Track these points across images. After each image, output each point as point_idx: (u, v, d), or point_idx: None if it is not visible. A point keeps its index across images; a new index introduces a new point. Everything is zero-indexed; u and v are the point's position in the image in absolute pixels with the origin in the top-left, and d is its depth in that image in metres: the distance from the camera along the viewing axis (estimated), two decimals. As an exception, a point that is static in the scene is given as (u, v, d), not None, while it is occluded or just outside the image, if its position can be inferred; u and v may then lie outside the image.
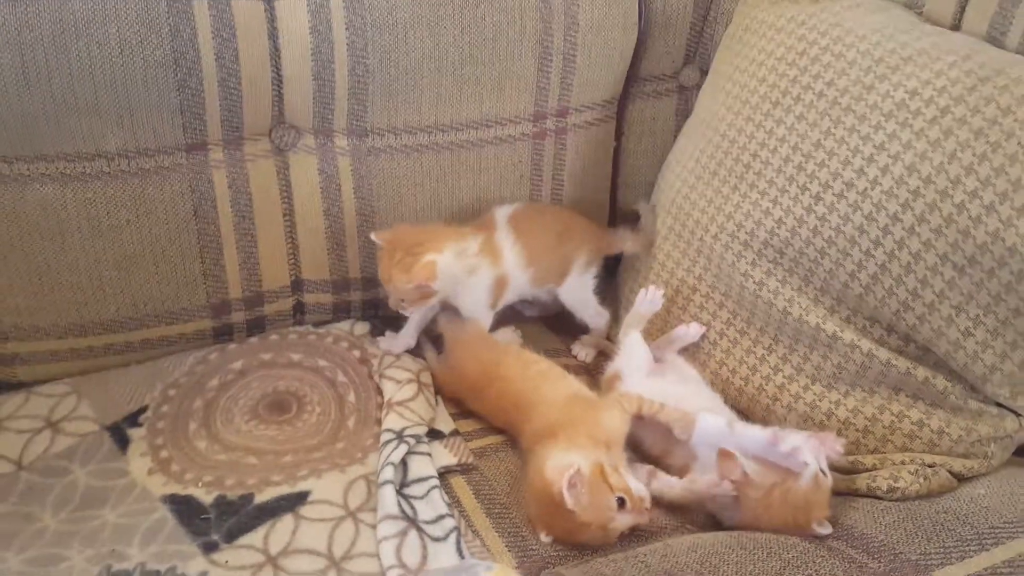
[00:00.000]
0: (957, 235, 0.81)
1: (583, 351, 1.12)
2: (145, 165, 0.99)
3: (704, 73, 1.15)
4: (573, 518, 0.80)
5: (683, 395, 0.94)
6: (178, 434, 0.94)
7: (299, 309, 1.14)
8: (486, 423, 0.99)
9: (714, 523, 0.87)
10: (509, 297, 1.09)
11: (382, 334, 1.12)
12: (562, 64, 1.10)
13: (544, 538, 0.83)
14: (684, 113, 1.18)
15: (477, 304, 1.05)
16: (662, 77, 1.19)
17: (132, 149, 0.98)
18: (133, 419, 0.97)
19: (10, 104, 0.91)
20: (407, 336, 1.09)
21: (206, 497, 0.86)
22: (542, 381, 0.96)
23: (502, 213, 1.09)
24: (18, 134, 0.93)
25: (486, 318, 1.07)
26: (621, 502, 0.81)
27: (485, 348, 1.03)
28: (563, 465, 0.81)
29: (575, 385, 0.96)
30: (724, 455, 0.84)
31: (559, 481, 0.80)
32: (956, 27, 0.93)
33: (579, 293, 1.11)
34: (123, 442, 0.93)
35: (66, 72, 0.92)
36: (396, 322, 1.11)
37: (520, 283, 1.08)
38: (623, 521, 0.81)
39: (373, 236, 1.03)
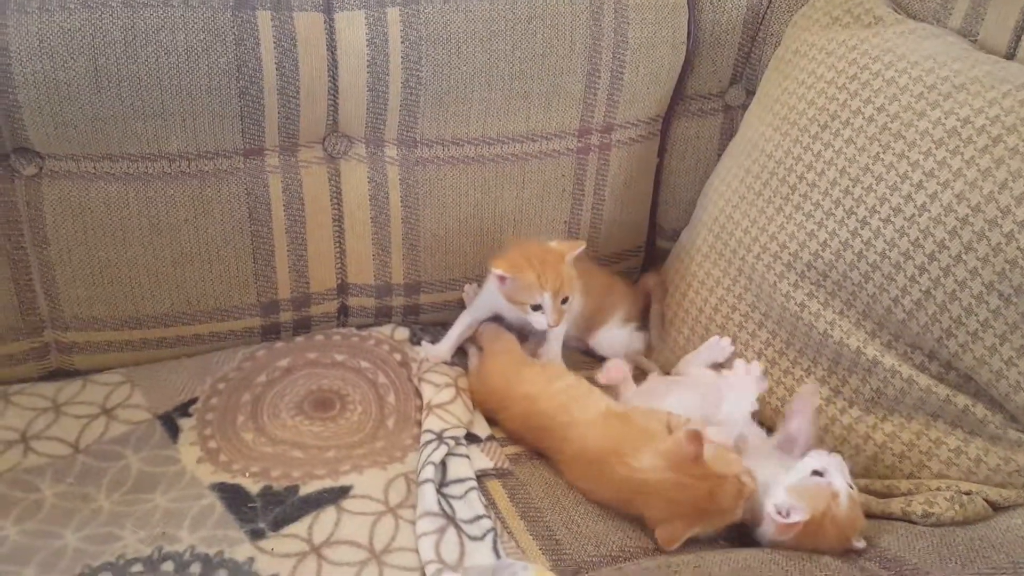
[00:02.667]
0: (1005, 264, 0.81)
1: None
2: (204, 167, 1.02)
3: (750, 94, 1.16)
4: (708, 479, 0.81)
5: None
6: (226, 426, 0.98)
7: (343, 311, 1.17)
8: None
9: (746, 536, 0.88)
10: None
11: (419, 342, 1.13)
12: (610, 81, 1.11)
13: (677, 541, 0.81)
14: (729, 133, 1.19)
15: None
16: (708, 96, 1.20)
17: (193, 151, 1.01)
18: (183, 410, 1.00)
19: (82, 106, 0.95)
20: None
21: (253, 487, 0.89)
22: (569, 400, 0.95)
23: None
24: (87, 135, 0.97)
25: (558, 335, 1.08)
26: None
27: (511, 362, 1.04)
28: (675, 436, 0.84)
29: (604, 400, 0.96)
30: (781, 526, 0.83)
31: (683, 441, 0.82)
32: (1011, 56, 0.93)
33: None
34: (174, 431, 0.97)
35: (135, 77, 0.95)
36: (434, 330, 1.14)
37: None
38: (747, 478, 0.83)
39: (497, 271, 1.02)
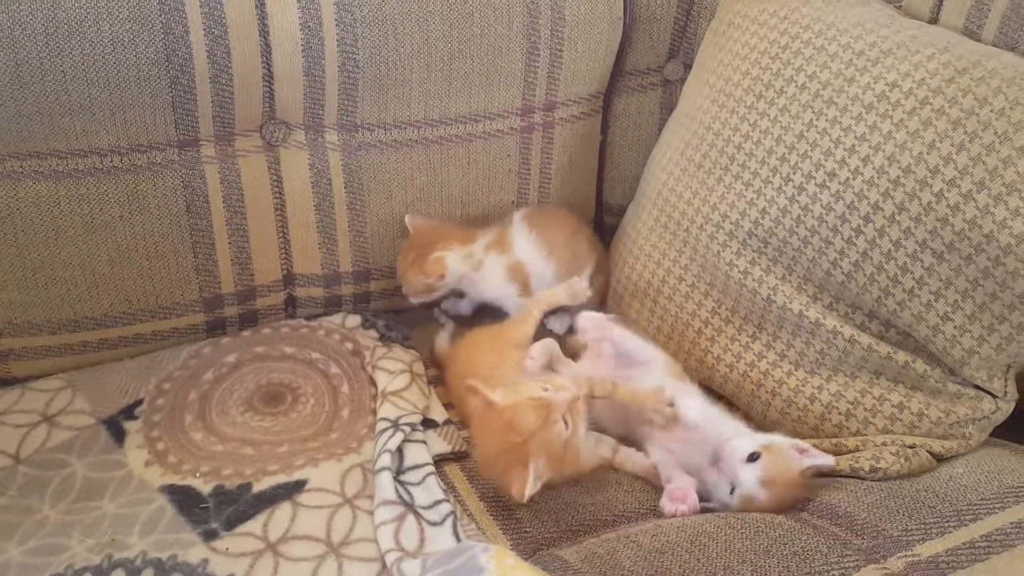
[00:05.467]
0: (936, 223, 0.84)
1: (557, 323, 1.15)
2: (138, 161, 1.00)
3: (688, 67, 1.17)
4: (508, 412, 0.81)
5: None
6: (174, 426, 0.95)
7: (291, 303, 1.16)
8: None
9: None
10: (535, 286, 1.12)
11: (373, 327, 1.14)
12: (549, 59, 1.11)
13: (530, 483, 0.79)
14: (669, 107, 1.20)
15: (499, 292, 1.12)
16: (647, 71, 1.21)
17: (125, 146, 0.98)
18: (129, 412, 0.97)
19: (3, 102, 0.91)
20: (466, 304, 1.18)
21: (204, 487, 0.87)
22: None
23: (518, 213, 1.16)
24: (11, 132, 0.93)
25: (515, 305, 1.12)
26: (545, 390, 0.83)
27: (477, 341, 1.04)
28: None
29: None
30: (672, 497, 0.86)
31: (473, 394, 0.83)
32: (934, 21, 0.95)
33: None
34: (119, 435, 0.94)
35: (59, 70, 0.92)
36: (387, 316, 1.14)
37: (544, 273, 1.12)
38: (556, 398, 0.82)
39: (407, 219, 1.11)
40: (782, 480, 0.84)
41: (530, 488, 0.79)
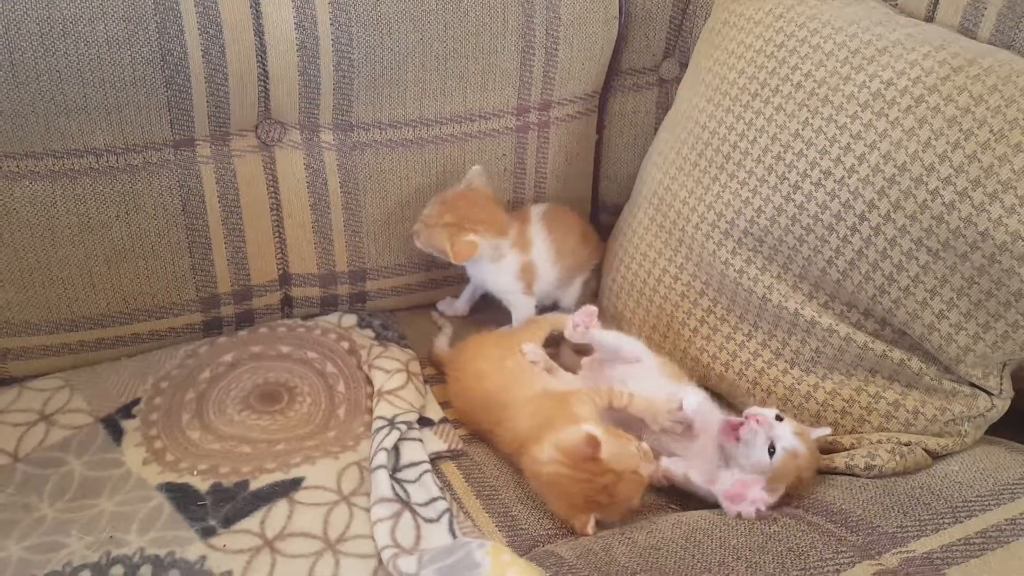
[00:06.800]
0: (931, 221, 0.84)
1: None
2: (133, 161, 1.00)
3: (684, 66, 1.17)
4: (605, 476, 0.81)
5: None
6: (171, 425, 0.96)
7: (287, 303, 1.16)
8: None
9: (696, 502, 0.90)
10: (536, 286, 1.13)
11: (369, 326, 1.14)
12: (544, 58, 1.11)
13: (589, 528, 0.81)
14: (664, 106, 1.20)
15: (506, 286, 1.12)
16: (642, 70, 1.21)
17: (120, 145, 0.98)
18: (126, 411, 0.98)
19: (-1, 103, 0.92)
20: (463, 303, 1.18)
21: (202, 485, 0.88)
22: (513, 381, 0.96)
23: (536, 210, 1.16)
24: (6, 132, 0.93)
25: (516, 300, 1.13)
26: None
27: (478, 340, 1.04)
28: (571, 432, 0.83)
29: (542, 381, 0.96)
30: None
31: (580, 443, 0.81)
32: (930, 19, 0.95)
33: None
34: (117, 433, 0.94)
35: (54, 70, 0.92)
36: (383, 316, 1.14)
37: (547, 275, 1.13)
38: (645, 469, 0.83)
39: (475, 170, 1.09)
40: (805, 438, 0.85)
41: (590, 532, 0.82)
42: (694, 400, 0.92)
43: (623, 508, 0.83)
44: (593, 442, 0.81)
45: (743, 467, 0.86)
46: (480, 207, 1.08)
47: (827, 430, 0.89)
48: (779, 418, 0.86)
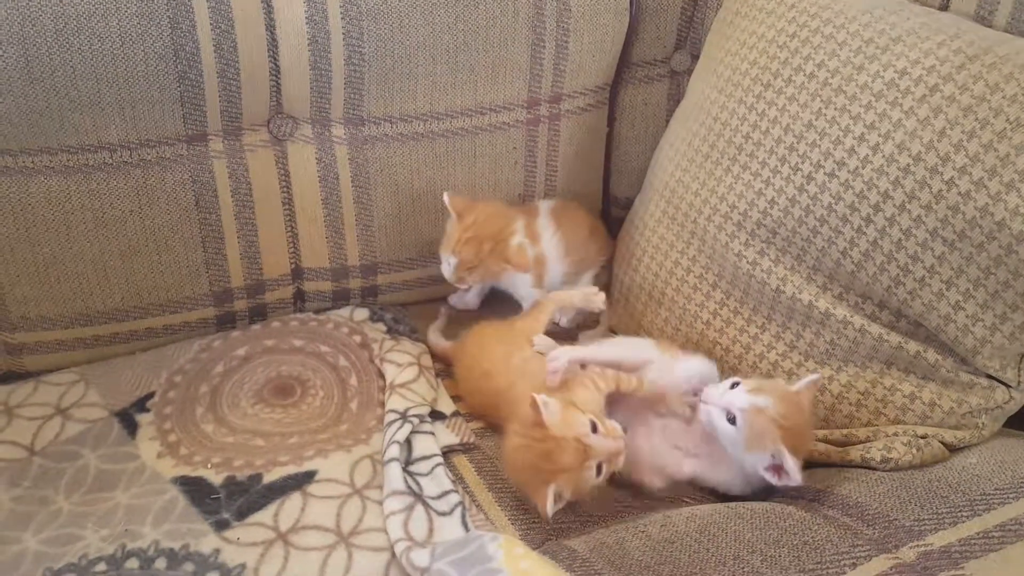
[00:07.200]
0: (947, 211, 0.83)
1: (564, 317, 1.15)
2: (147, 156, 1.00)
3: (695, 58, 1.16)
4: (547, 441, 0.81)
5: None
6: (185, 418, 0.96)
7: (299, 297, 1.16)
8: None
9: (713, 497, 0.89)
10: (546, 281, 1.13)
11: (381, 320, 1.14)
12: (555, 50, 1.11)
13: (549, 505, 0.81)
14: (676, 98, 1.20)
15: (519, 280, 1.12)
16: (653, 62, 1.21)
17: (134, 140, 0.99)
18: (140, 405, 0.98)
19: (15, 99, 0.92)
20: (473, 297, 1.19)
21: (215, 478, 0.88)
22: (520, 376, 0.95)
23: (544, 205, 1.17)
24: (22, 128, 0.94)
25: (527, 294, 1.13)
26: (594, 427, 0.82)
27: (485, 336, 1.03)
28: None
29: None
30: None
31: (533, 410, 0.82)
32: (945, 7, 0.94)
33: None
34: (132, 427, 0.95)
35: (68, 66, 0.93)
36: (395, 310, 1.14)
37: (556, 269, 1.14)
38: (600, 445, 0.82)
39: (446, 198, 1.08)
40: (774, 390, 0.84)
41: (549, 511, 0.81)
42: (694, 364, 0.93)
43: (574, 476, 0.81)
44: (534, 405, 0.82)
45: (727, 447, 0.86)
46: (492, 217, 1.09)
47: (815, 376, 0.87)
48: (735, 384, 0.85)
